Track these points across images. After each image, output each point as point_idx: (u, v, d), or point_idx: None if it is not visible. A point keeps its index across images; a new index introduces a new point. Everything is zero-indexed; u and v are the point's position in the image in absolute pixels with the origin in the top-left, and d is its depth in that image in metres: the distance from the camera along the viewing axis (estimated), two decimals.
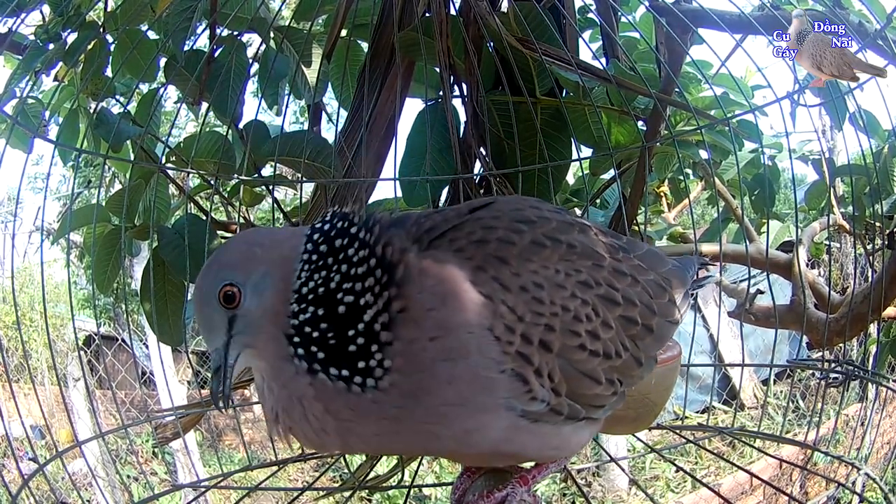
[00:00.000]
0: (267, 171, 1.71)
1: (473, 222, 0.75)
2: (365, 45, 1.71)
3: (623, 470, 2.05)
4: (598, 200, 2.03)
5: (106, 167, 2.21)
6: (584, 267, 0.78)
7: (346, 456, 1.42)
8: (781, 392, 6.61)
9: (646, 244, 0.99)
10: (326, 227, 0.70)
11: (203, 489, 1.37)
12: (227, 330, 0.69)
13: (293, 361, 0.67)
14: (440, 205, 1.55)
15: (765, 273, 2.99)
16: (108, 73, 1.63)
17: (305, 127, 1.73)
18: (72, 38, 1.51)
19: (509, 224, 0.76)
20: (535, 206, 0.82)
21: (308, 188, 1.66)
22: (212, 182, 1.61)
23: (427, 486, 4.53)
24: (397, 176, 1.47)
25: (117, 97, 1.73)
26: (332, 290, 0.66)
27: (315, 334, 0.66)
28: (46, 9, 1.56)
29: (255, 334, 0.69)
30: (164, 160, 1.64)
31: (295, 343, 0.67)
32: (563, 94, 1.60)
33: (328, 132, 2.07)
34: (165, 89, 1.70)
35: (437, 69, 1.46)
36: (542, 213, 0.80)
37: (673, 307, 0.89)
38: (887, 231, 2.10)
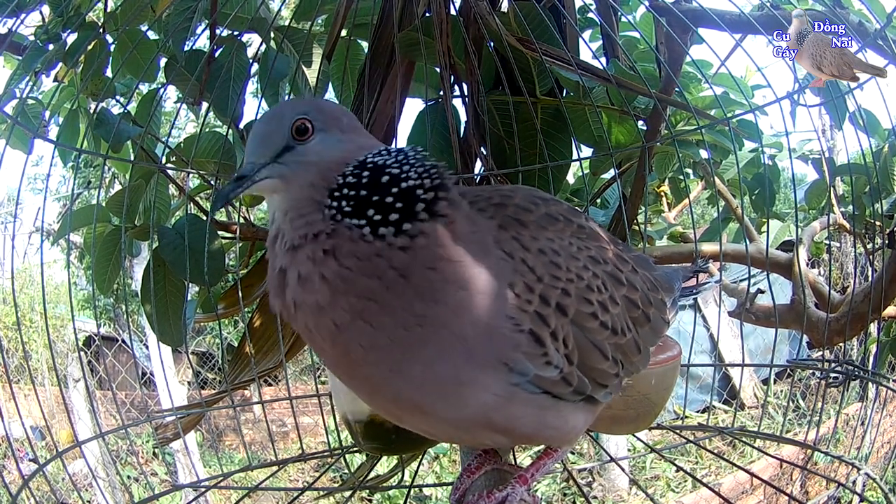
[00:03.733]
0: None
1: (493, 190, 0.81)
2: (365, 45, 1.71)
3: (623, 470, 2.06)
4: (598, 200, 2.03)
5: (106, 167, 2.21)
6: (592, 245, 0.82)
7: (347, 456, 1.42)
8: (781, 392, 6.62)
9: (635, 249, 1.02)
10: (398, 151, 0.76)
11: (203, 489, 1.38)
12: (275, 154, 0.73)
13: (322, 209, 0.70)
14: None
15: (765, 272, 2.99)
16: (108, 73, 1.63)
17: None
18: (72, 38, 1.51)
19: (525, 196, 0.81)
20: (547, 195, 0.87)
21: None
22: (212, 182, 1.61)
23: (427, 486, 4.53)
24: None
25: (117, 97, 1.73)
26: (385, 164, 0.71)
27: (352, 192, 0.70)
28: (46, 9, 1.56)
29: (297, 174, 0.72)
30: (164, 160, 1.64)
31: (334, 196, 0.70)
32: (563, 94, 1.60)
33: None
34: (165, 89, 1.70)
35: (438, 69, 1.45)
36: (554, 198, 0.86)
37: (664, 306, 0.93)
38: (887, 230, 2.09)
